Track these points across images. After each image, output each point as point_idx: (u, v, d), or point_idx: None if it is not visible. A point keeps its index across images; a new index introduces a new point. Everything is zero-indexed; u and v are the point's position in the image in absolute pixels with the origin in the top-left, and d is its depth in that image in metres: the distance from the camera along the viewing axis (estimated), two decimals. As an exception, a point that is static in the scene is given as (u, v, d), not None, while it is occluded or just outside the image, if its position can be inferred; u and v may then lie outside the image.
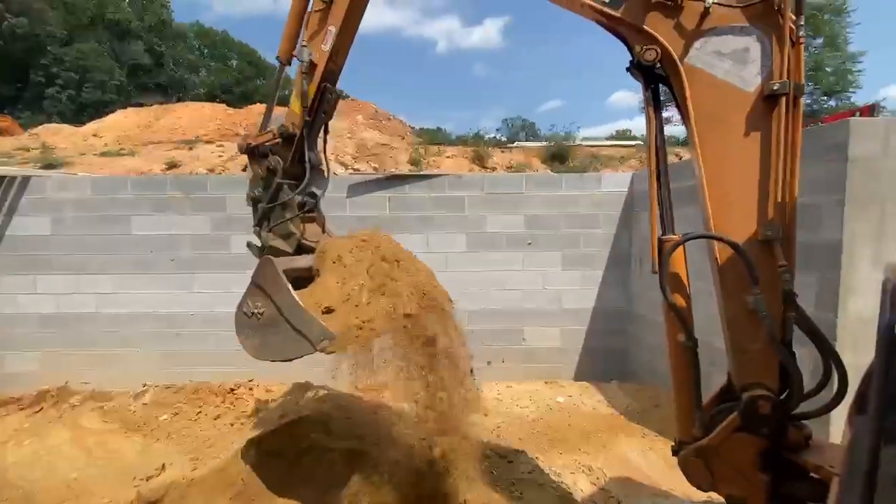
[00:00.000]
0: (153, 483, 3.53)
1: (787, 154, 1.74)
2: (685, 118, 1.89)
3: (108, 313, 5.60)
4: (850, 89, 20.91)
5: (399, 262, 2.87)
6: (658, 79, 2.00)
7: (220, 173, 9.41)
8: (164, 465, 3.80)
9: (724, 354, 1.96)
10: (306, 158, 2.80)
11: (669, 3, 1.83)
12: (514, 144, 15.43)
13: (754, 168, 1.78)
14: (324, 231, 3.11)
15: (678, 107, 1.94)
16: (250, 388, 5.21)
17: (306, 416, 4.02)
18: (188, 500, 3.25)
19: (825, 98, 21.24)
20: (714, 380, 2.05)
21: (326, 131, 2.94)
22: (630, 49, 1.98)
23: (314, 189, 2.95)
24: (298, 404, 4.55)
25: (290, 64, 2.81)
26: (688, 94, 1.85)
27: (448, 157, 10.97)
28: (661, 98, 2.07)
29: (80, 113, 25.96)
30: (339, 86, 2.85)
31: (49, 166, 9.78)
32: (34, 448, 4.07)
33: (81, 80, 28.79)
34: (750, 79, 1.77)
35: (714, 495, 3.20)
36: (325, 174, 2.99)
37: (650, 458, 3.89)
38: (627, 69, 2.06)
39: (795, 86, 1.72)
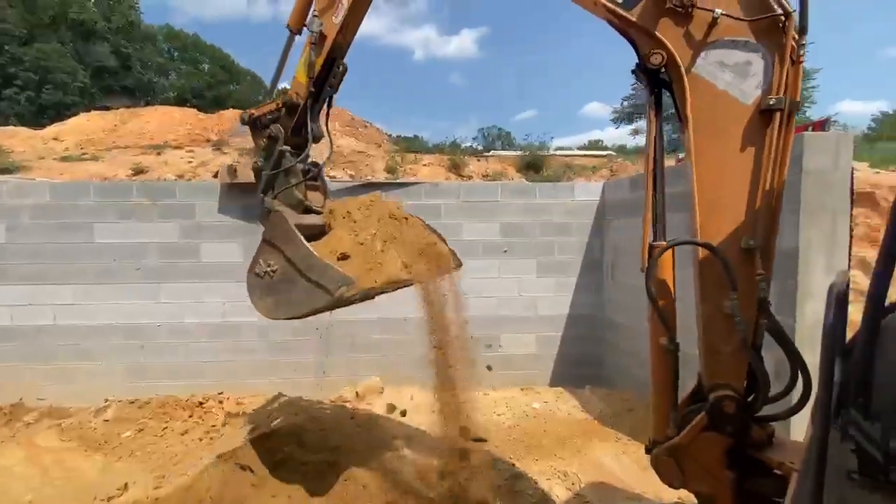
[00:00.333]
0: (114, 503, 3.37)
1: (775, 168, 1.80)
2: (683, 125, 1.94)
3: (68, 325, 5.34)
4: (805, 105, 22.09)
5: (407, 220, 2.92)
6: (662, 84, 2.04)
7: (189, 179, 9.16)
8: (126, 485, 3.63)
9: (695, 360, 2.02)
10: (308, 129, 2.79)
11: (680, 10, 1.87)
12: (490, 153, 15.62)
13: (744, 179, 1.83)
14: (327, 199, 3.08)
15: (678, 113, 1.99)
16: (220, 402, 5.05)
17: (279, 429, 3.92)
18: (153, 519, 3.12)
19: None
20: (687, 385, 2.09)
21: (330, 105, 2.95)
22: (637, 52, 2.03)
23: (316, 160, 2.95)
24: (270, 417, 4.43)
25: (300, 33, 2.80)
26: (688, 101, 1.89)
27: (425, 165, 11.00)
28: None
29: (40, 115, 24.83)
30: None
31: (4, 171, 9.31)
32: (-16, 470, 3.82)
33: (42, 80, 27.56)
34: (749, 91, 1.83)
35: (684, 497, 3.28)
36: (330, 147, 3.00)
37: (623, 461, 3.96)
38: (633, 71, 2.11)
39: (790, 102, 1.79)
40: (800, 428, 1.78)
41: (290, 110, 2.78)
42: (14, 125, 17.33)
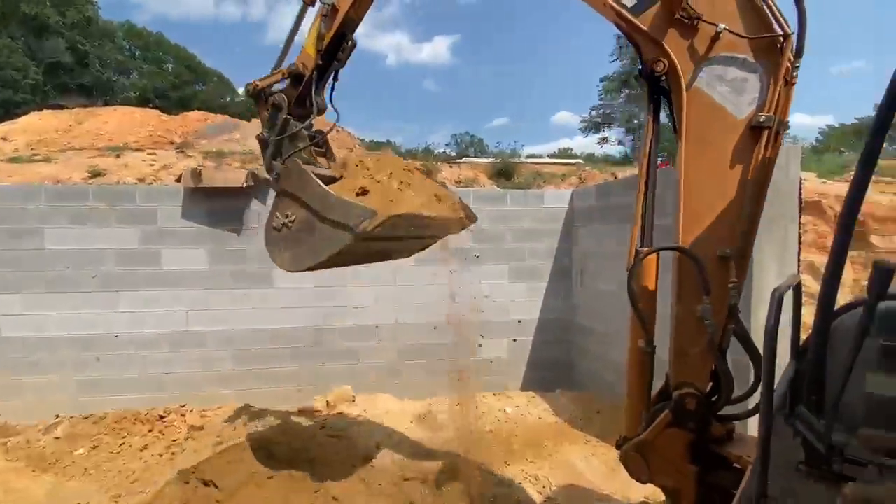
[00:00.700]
0: (66, 526, 3.17)
1: (758, 183, 1.87)
2: (678, 133, 2.00)
3: (16, 337, 5.01)
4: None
5: (418, 172, 2.92)
6: (662, 91, 2.10)
7: (151, 183, 8.81)
8: (79, 506, 3.43)
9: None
10: (313, 102, 2.78)
11: (687, 21, 1.93)
12: (463, 160, 15.74)
13: (728, 190, 1.90)
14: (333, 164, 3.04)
15: (673, 121, 2.04)
16: (182, 415, 4.84)
17: (245, 442, 3.79)
18: (108, 542, 2.95)
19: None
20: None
21: (336, 79, 2.94)
22: (641, 57, 2.08)
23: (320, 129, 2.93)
24: (237, 429, 4.28)
25: (312, 4, 2.78)
26: (685, 110, 1.95)
27: (397, 170, 10.94)
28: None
29: (-14, 113, 23.33)
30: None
31: (-55, 172, 8.67)
32: (-84, 496, 3.53)
33: (-11, 77, 25.97)
34: (743, 107, 1.89)
35: (650, 497, 3.37)
36: (337, 117, 2.98)
37: (593, 463, 4.03)
38: (635, 77, 2.18)
39: (779, 121, 1.86)
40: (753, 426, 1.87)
41: (295, 80, 2.78)
42: (-44, 123, 16.21)
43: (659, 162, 2.24)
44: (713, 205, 1.91)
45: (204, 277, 5.26)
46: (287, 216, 2.57)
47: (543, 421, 4.95)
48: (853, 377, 1.48)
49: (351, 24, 2.79)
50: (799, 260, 3.62)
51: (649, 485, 3.39)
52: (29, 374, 5.02)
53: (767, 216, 3.16)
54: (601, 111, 34.75)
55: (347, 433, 4.36)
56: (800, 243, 3.63)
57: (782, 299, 1.29)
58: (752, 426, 2.92)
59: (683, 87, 1.95)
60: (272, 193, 5.68)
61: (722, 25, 1.88)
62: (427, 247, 3.34)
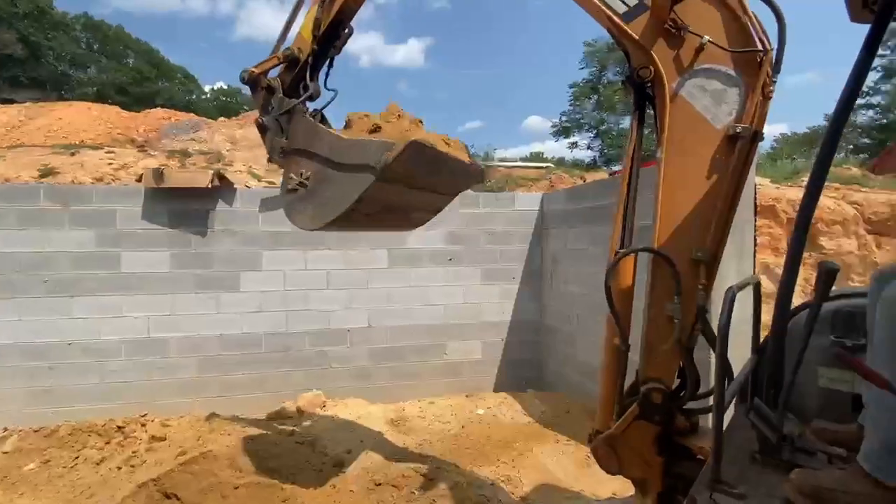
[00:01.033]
0: (13, 547, 2.98)
1: (731, 191, 1.95)
2: (659, 140, 2.06)
3: (-43, 346, 4.69)
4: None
5: (421, 123, 2.86)
6: (647, 98, 2.16)
7: (109, 183, 8.41)
8: (28, 524, 3.23)
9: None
10: (308, 87, 2.76)
11: (674, 31, 1.99)
12: (436, 162, 15.79)
13: (703, 196, 1.97)
14: None
15: (656, 127, 2.10)
16: (143, 425, 4.64)
17: (210, 452, 3.67)
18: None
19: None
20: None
21: (331, 65, 2.91)
22: (629, 63, 2.14)
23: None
24: (201, 439, 4.14)
25: None
26: (667, 118, 2.02)
27: (369, 172, 10.86)
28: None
29: (-75, 106, 21.72)
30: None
31: None
32: None
33: (-71, 68, 24.26)
34: (722, 117, 1.96)
35: (618, 492, 3.45)
36: (334, 94, 2.93)
37: (563, 462, 4.11)
38: (622, 81, 2.21)
39: (754, 133, 1.94)
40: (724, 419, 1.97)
41: (290, 65, 2.77)
42: None
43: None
44: (689, 209, 1.98)
45: (166, 281, 5.06)
46: (301, 174, 2.50)
47: (515, 422, 5.00)
48: (808, 372, 1.58)
49: (349, 10, 2.78)
50: (755, 261, 3.80)
51: (617, 481, 3.48)
52: (-28, 385, 4.70)
53: (726, 220, 3.34)
54: (571, 116, 35.53)
55: (317, 439, 4.28)
56: (755, 245, 3.81)
57: (734, 298, 1.36)
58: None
59: (667, 95, 2.02)
60: (240, 196, 5.55)
61: (707, 37, 1.96)
62: (439, 210, 3.32)
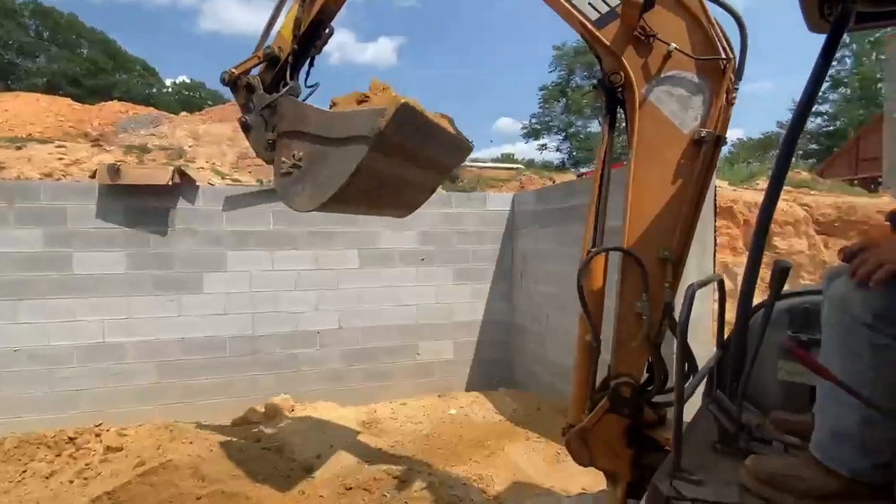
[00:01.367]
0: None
1: (696, 192, 2.02)
2: (629, 143, 2.13)
3: None
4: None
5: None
6: (618, 102, 2.22)
7: (59, 179, 7.94)
8: (-34, 546, 3.00)
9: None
10: (287, 84, 2.74)
11: (643, 39, 2.06)
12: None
13: (669, 197, 2.04)
14: None
15: (627, 130, 2.16)
16: (97, 434, 4.39)
17: (171, 462, 3.51)
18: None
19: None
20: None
21: (312, 64, 2.94)
22: (601, 68, 2.19)
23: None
24: (161, 448, 3.95)
25: None
26: (636, 122, 2.08)
27: (340, 171, 10.69)
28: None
29: None
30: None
31: None
32: None
33: None
34: (688, 122, 2.03)
35: (588, 487, 3.52)
36: (315, 87, 2.92)
37: (534, 459, 4.15)
38: (594, 86, 2.27)
39: (717, 137, 2.01)
40: (690, 411, 2.05)
41: (271, 63, 2.79)
42: None
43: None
44: (656, 210, 2.05)
45: (123, 283, 4.81)
46: (293, 156, 2.48)
47: (487, 420, 5.03)
48: (768, 366, 1.66)
49: (329, 11, 2.80)
50: (715, 260, 3.95)
51: (586, 476, 3.55)
52: None
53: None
54: (541, 119, 36.15)
55: (286, 444, 4.17)
56: (716, 245, 3.97)
57: (694, 295, 1.41)
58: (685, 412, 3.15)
59: (637, 100, 2.09)
60: (203, 193, 5.36)
61: (673, 45, 2.04)
62: (433, 189, 3.37)
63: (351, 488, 3.54)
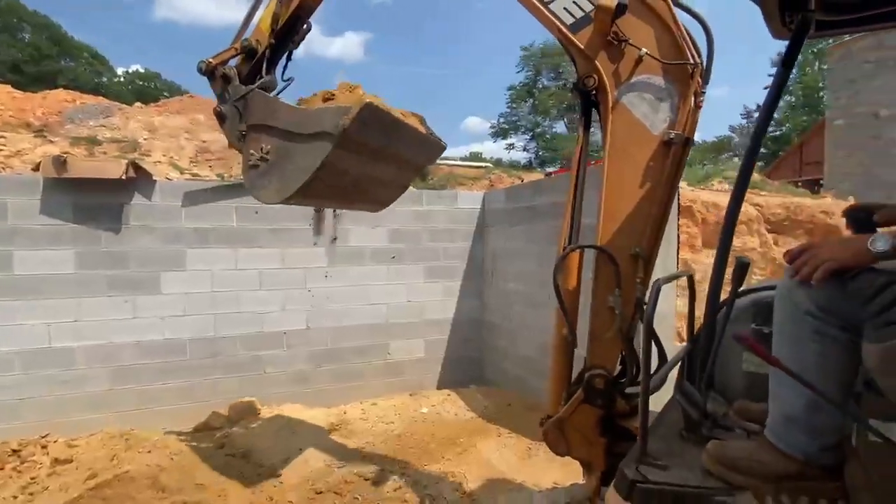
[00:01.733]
0: None
1: (665, 191, 2.10)
2: (603, 143, 2.20)
3: None
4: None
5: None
6: (592, 104, 2.29)
7: (-2, 172, 7.35)
8: None
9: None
10: (263, 77, 2.80)
11: (616, 43, 2.13)
12: (376, 158, 15.50)
13: (640, 196, 2.12)
14: None
15: (602, 132, 2.23)
16: (44, 446, 4.09)
17: (126, 473, 3.32)
18: None
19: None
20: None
21: (289, 58, 2.99)
22: (577, 71, 2.25)
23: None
24: (116, 459, 3.73)
25: None
26: (609, 124, 2.15)
27: (306, 167, 10.42)
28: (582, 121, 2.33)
29: None
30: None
31: None
32: None
33: None
34: (658, 124, 2.11)
35: (559, 481, 3.58)
36: (291, 81, 2.98)
37: (505, 455, 4.19)
38: (570, 90, 2.34)
39: (685, 139, 2.09)
40: (661, 401, 2.14)
41: (248, 55, 2.83)
42: None
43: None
44: (628, 209, 2.14)
45: (71, 283, 4.50)
46: (262, 149, 2.53)
47: (459, 418, 5.03)
48: (734, 357, 1.75)
49: (307, 7, 2.84)
50: (678, 257, 4.11)
51: (557, 471, 3.61)
52: None
53: (654, 219, 3.58)
54: (508, 119, 36.57)
55: (251, 450, 4.03)
56: (678, 242, 4.12)
57: (660, 290, 1.48)
58: (655, 402, 3.25)
59: (610, 102, 2.17)
60: (160, 188, 5.12)
61: (644, 50, 2.13)
62: (405, 187, 3.43)
63: (321, 492, 3.46)
